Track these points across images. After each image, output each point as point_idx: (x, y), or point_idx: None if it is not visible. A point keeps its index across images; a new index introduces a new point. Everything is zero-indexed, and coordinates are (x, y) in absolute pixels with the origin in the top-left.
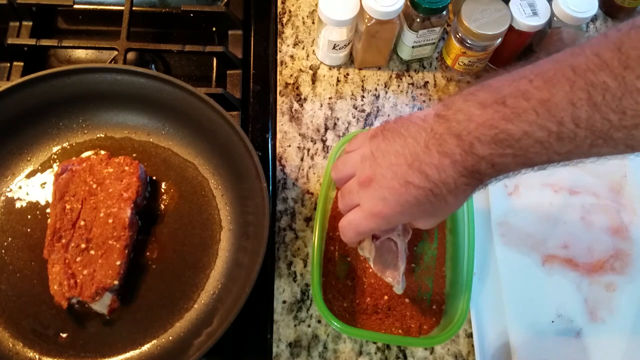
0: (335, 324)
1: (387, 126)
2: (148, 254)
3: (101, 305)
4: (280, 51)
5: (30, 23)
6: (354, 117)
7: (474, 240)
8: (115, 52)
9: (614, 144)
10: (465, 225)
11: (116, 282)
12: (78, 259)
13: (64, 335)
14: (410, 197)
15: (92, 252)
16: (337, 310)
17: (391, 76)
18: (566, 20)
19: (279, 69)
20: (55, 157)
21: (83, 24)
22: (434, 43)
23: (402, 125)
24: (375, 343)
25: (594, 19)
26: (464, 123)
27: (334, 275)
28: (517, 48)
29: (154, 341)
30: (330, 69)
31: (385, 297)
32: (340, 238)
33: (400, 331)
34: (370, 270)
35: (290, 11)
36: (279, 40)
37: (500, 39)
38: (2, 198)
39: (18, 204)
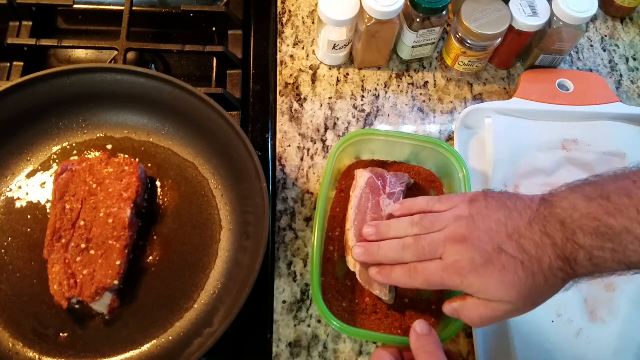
0: (335, 323)
1: (491, 194)
2: (148, 254)
3: (101, 305)
4: (280, 51)
5: (30, 23)
6: (354, 117)
7: None
8: (115, 52)
9: None
10: None
11: (116, 282)
12: (78, 259)
13: (64, 335)
14: (498, 264)
15: (92, 252)
16: (337, 310)
17: (391, 76)
18: (566, 20)
19: (279, 69)
20: (55, 157)
21: (83, 24)
22: (434, 43)
23: (509, 198)
24: (375, 343)
25: (594, 19)
26: (568, 211)
27: (333, 275)
28: (517, 48)
29: (154, 341)
30: (330, 69)
31: None
32: (340, 238)
33: (399, 331)
34: None
35: (290, 11)
36: (279, 40)
37: (500, 39)
38: (2, 198)
39: (18, 204)
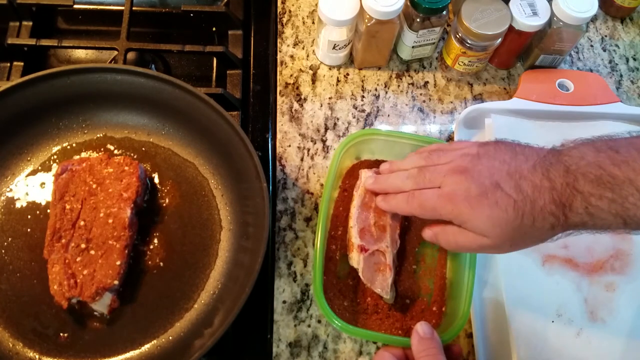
0: (337, 322)
1: (502, 141)
2: (148, 254)
3: (101, 305)
4: (280, 51)
5: (30, 23)
6: (354, 117)
7: None
8: (115, 52)
9: None
10: None
11: (116, 282)
12: (78, 259)
13: (64, 335)
14: (492, 198)
15: (92, 252)
16: (338, 309)
17: (391, 76)
18: (566, 20)
19: (279, 69)
20: (55, 157)
21: (83, 24)
22: (434, 43)
23: (518, 145)
24: (375, 343)
25: (594, 19)
26: (575, 159)
27: (335, 274)
28: (517, 48)
29: (154, 341)
30: (330, 69)
31: None
32: (342, 237)
33: (400, 332)
34: None
35: (290, 11)
36: (279, 40)
37: (500, 39)
38: (2, 198)
39: (18, 204)
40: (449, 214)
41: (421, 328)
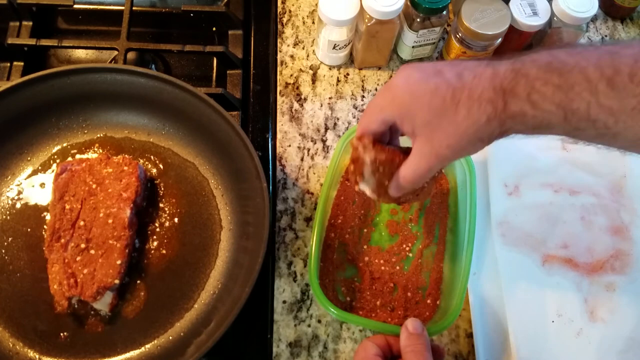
0: (332, 310)
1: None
2: (148, 254)
3: (102, 304)
4: (280, 51)
5: (30, 23)
6: (354, 117)
7: (473, 238)
8: (115, 52)
9: None
10: (466, 224)
11: (117, 282)
12: (78, 258)
13: (64, 335)
14: (431, 83)
15: (92, 251)
16: (333, 297)
17: (391, 76)
18: (566, 20)
19: (279, 69)
20: (55, 157)
21: (83, 24)
22: (434, 43)
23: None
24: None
25: (594, 19)
26: (525, 54)
27: (332, 262)
28: (517, 48)
29: (154, 341)
30: (330, 69)
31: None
32: (341, 226)
33: (396, 320)
34: (367, 259)
35: (290, 11)
36: (279, 40)
37: (500, 39)
38: (2, 198)
39: (18, 204)
40: (393, 109)
41: (411, 324)
